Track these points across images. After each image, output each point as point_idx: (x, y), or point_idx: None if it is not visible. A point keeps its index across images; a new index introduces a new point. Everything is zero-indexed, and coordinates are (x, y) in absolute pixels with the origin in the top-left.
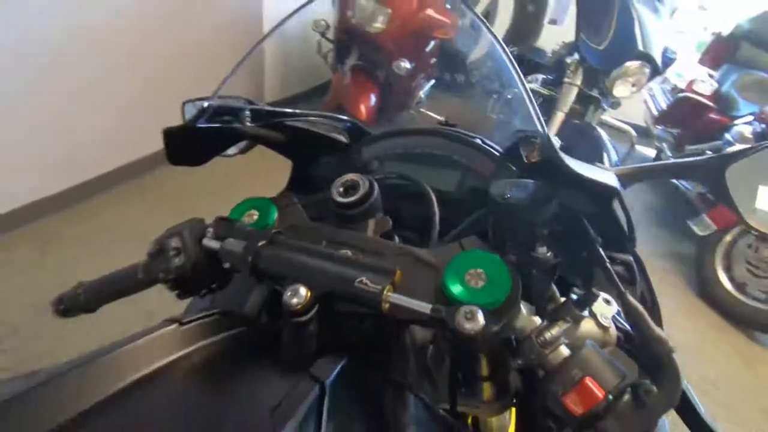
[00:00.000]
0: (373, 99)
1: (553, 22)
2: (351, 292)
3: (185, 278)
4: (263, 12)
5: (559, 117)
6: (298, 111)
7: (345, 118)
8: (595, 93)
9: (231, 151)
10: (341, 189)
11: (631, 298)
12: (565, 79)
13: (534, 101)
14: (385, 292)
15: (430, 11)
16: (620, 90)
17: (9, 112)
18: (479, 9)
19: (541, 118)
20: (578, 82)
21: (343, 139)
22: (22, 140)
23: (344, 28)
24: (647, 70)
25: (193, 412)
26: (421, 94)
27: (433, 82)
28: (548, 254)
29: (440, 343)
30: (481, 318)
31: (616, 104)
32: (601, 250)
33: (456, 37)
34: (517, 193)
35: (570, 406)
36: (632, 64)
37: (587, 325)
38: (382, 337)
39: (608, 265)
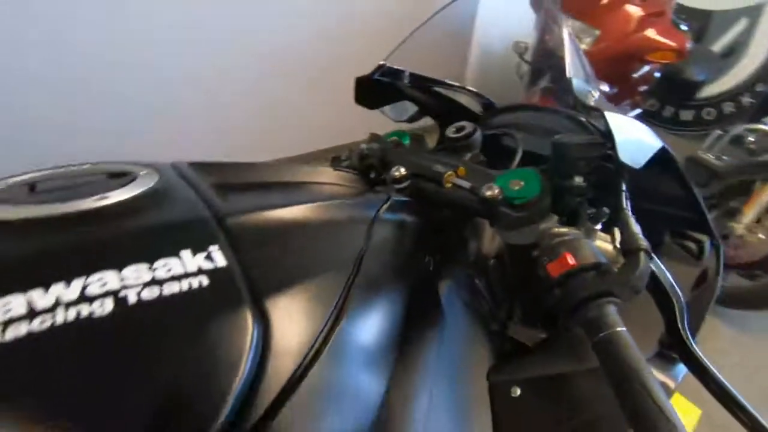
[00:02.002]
0: None
1: None
2: (428, 173)
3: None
4: (473, 37)
5: None
6: (445, 81)
7: (482, 93)
8: None
9: (400, 116)
10: (453, 129)
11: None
12: None
13: None
14: (447, 174)
15: (650, 32)
16: None
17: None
18: (725, 40)
19: None
20: None
21: (477, 110)
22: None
23: (541, 50)
24: None
25: None
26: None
27: (638, 111)
28: (582, 183)
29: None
30: (496, 189)
31: None
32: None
33: (690, 64)
34: (569, 138)
35: (549, 269)
36: None
37: (599, 241)
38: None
39: (625, 208)
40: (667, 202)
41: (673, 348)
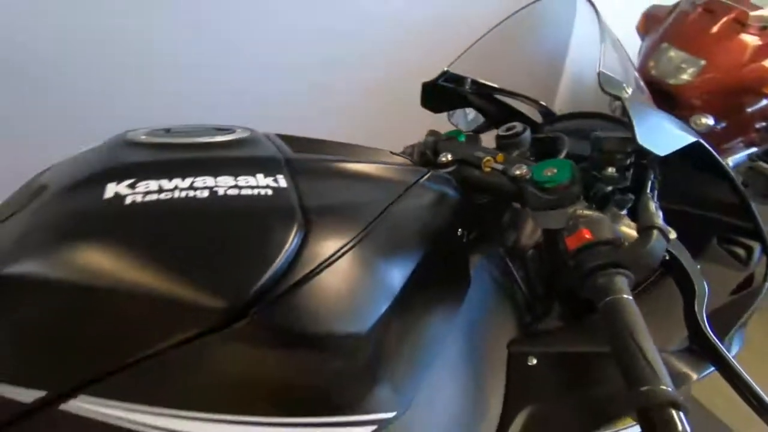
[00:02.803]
0: None
1: None
2: (470, 158)
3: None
4: (564, 67)
5: None
6: (506, 89)
7: (541, 102)
8: None
9: (468, 125)
10: (505, 128)
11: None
12: None
13: None
14: (486, 159)
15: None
16: None
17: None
18: None
19: None
20: None
21: (538, 118)
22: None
23: (643, 76)
24: None
25: None
26: (729, 161)
27: (752, 150)
28: (614, 173)
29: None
30: (524, 168)
31: None
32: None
33: None
34: (605, 134)
35: (567, 242)
36: None
37: (624, 226)
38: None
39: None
40: (718, 208)
41: (692, 336)
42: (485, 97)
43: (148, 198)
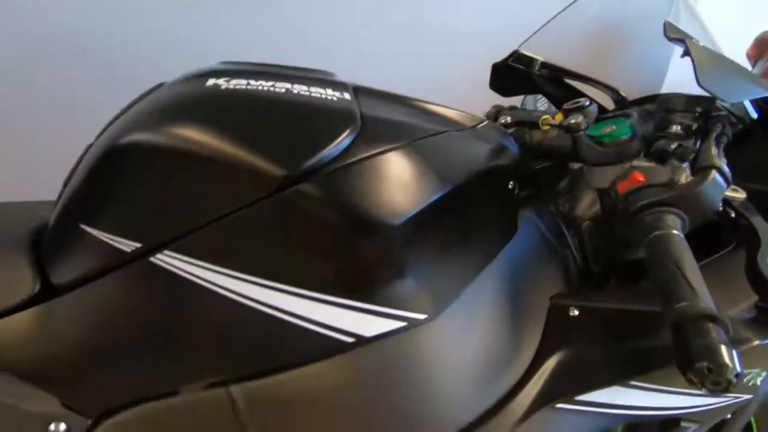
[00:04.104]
0: None
1: None
2: (529, 118)
3: None
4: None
5: None
6: (577, 72)
7: (611, 85)
8: None
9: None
10: (571, 102)
11: None
12: None
13: None
14: (543, 117)
15: None
16: None
17: None
18: None
19: None
20: None
21: (610, 105)
22: None
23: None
24: None
25: None
26: None
27: None
28: (680, 131)
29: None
30: (580, 117)
31: None
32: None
33: None
34: (672, 94)
35: (618, 188)
36: None
37: (682, 176)
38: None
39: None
40: None
41: (755, 289)
42: (555, 81)
43: (238, 87)
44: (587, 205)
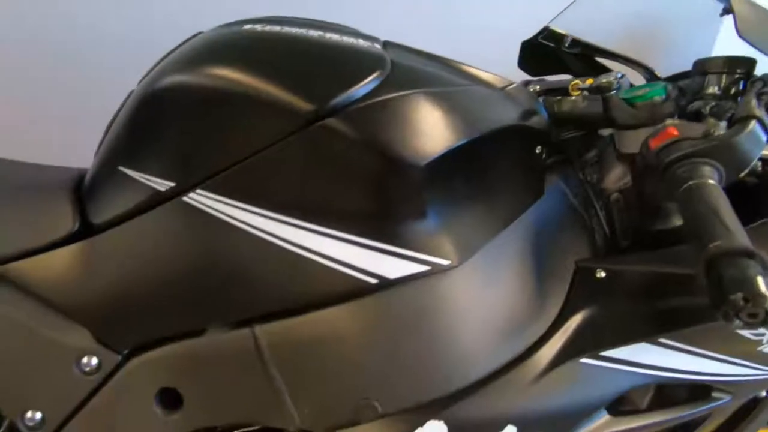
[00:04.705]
0: None
1: None
2: (558, 85)
3: None
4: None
5: None
6: (608, 49)
7: (643, 63)
8: None
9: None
10: (603, 77)
11: None
12: None
13: None
14: (573, 82)
15: None
16: None
17: None
18: None
19: None
20: None
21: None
22: None
23: None
24: None
25: None
26: None
27: None
28: (717, 91)
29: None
30: (612, 77)
31: None
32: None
33: None
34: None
35: (651, 144)
36: None
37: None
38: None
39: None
40: None
41: None
42: (585, 59)
43: (272, 30)
44: (616, 177)
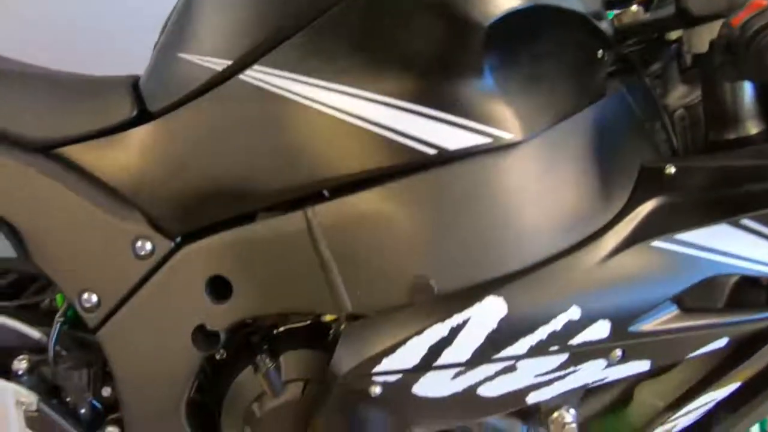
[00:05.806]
0: None
1: None
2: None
3: None
4: None
5: None
6: None
7: None
8: None
9: None
10: None
11: None
12: None
13: None
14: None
15: None
16: None
17: None
18: None
19: None
20: None
21: None
22: None
23: None
24: None
25: None
26: None
27: None
28: None
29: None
30: None
31: None
32: None
33: None
34: None
35: (732, 22)
36: None
37: None
38: None
39: None
40: None
41: None
42: None
43: None
44: (681, 94)
